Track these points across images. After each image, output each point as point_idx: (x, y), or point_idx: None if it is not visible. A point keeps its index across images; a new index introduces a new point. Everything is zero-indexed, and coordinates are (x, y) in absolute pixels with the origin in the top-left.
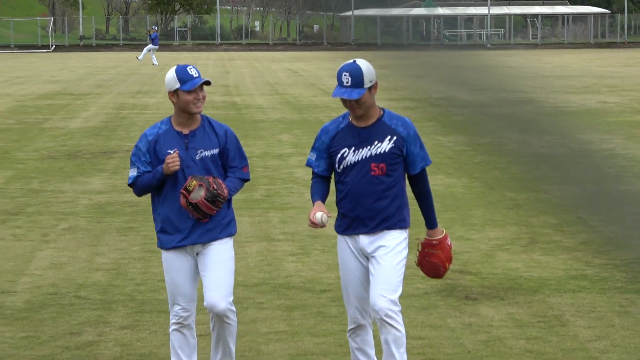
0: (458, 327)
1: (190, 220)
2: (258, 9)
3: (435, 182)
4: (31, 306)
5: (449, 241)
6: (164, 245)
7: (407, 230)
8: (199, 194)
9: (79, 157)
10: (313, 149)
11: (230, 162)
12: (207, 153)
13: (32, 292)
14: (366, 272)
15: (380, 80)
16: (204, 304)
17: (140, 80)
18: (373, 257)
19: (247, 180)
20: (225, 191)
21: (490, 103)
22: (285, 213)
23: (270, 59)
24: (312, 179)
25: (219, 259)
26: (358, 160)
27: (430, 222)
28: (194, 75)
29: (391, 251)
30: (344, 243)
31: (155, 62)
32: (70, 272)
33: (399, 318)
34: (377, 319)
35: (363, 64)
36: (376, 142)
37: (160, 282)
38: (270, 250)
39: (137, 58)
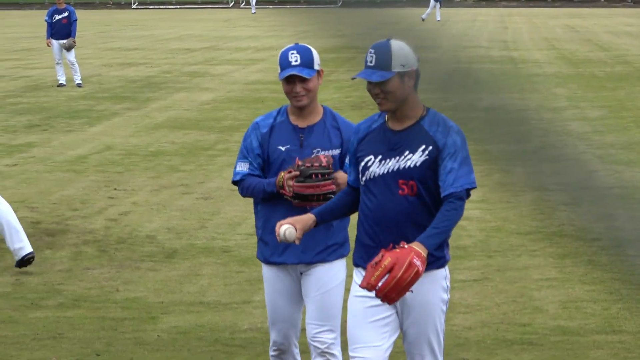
0: None
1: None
2: None
3: None
4: None
5: (418, 262)
6: (262, 257)
7: (447, 267)
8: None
9: (363, 109)
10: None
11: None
12: (325, 154)
13: None
14: (383, 323)
15: None
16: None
17: (420, 36)
18: (406, 320)
19: None
20: (323, 159)
21: None
22: (556, 165)
23: (548, 15)
24: None
25: (326, 288)
26: (383, 173)
27: (426, 237)
28: (291, 63)
29: (427, 315)
30: (360, 278)
31: (439, 18)
32: None
33: None
34: None
35: (397, 43)
36: (407, 153)
37: None
38: (543, 199)
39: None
